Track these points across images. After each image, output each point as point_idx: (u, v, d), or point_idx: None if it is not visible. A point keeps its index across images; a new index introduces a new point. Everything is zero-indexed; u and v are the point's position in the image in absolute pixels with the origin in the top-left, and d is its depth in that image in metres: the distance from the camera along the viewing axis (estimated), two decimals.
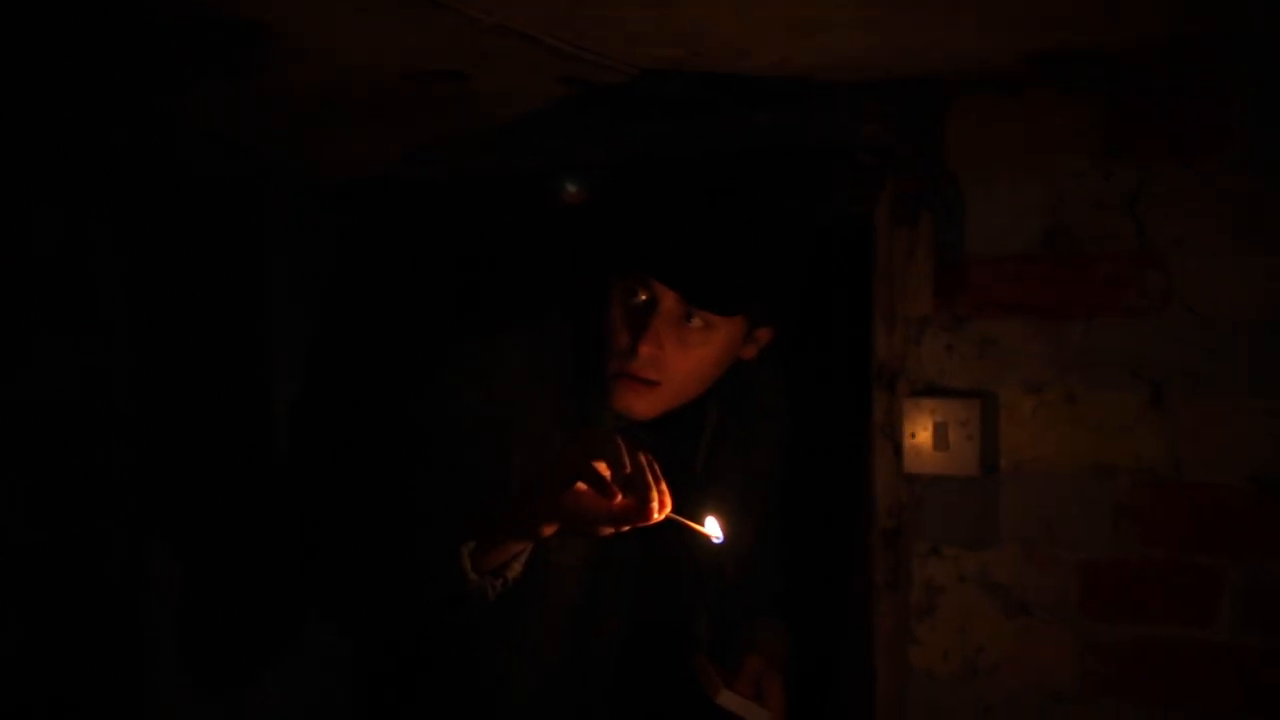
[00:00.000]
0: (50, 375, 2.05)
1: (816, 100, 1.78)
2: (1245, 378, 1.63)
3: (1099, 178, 1.70)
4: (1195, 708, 1.64)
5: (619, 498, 1.25)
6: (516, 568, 1.37)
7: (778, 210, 1.58)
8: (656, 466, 1.27)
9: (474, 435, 1.50)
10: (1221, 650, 1.63)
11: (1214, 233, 1.64)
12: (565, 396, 1.55)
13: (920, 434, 1.77)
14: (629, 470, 1.24)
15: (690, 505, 1.37)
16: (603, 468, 1.25)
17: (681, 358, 1.51)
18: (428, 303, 2.36)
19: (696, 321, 1.51)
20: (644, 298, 1.49)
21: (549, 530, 1.31)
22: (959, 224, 1.79)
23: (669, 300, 1.49)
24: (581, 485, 1.26)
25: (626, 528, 1.26)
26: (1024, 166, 1.75)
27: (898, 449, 1.80)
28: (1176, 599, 1.66)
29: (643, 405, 1.52)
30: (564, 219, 2.09)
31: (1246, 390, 1.62)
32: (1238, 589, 1.62)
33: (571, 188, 2.01)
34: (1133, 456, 1.69)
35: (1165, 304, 1.67)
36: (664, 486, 1.25)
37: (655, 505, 1.24)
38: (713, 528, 1.36)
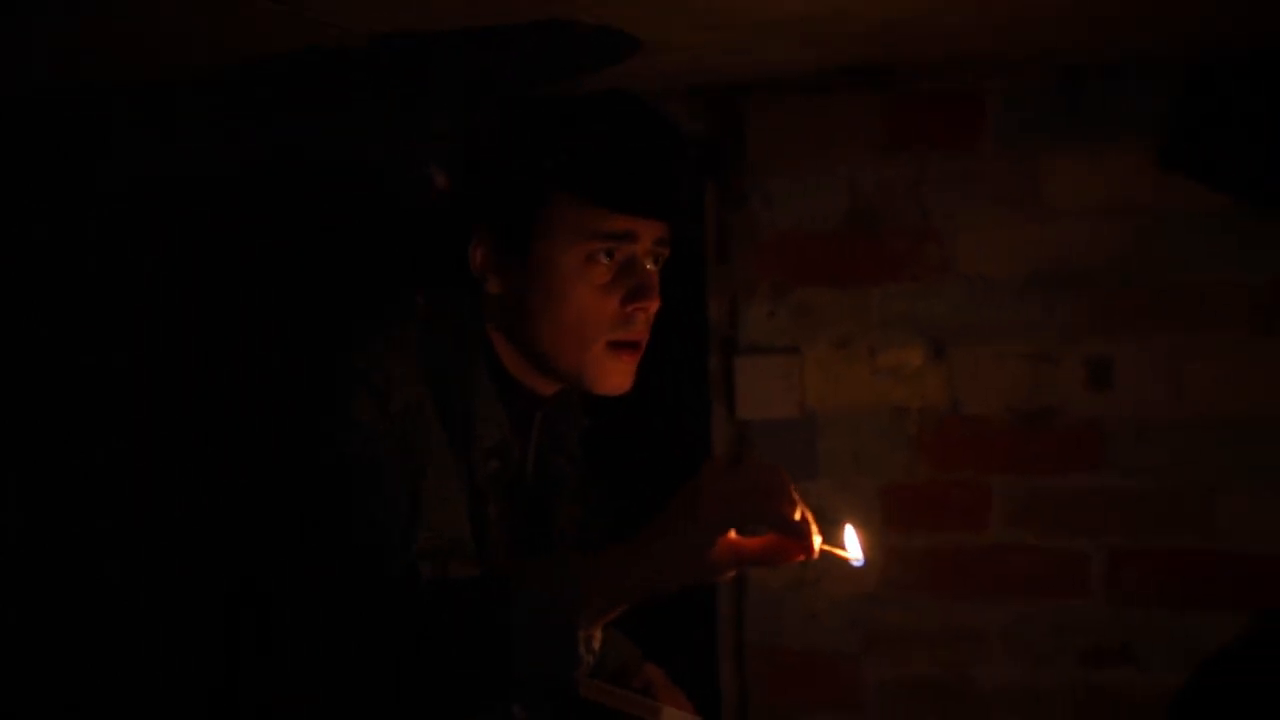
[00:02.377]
0: None
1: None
2: (1005, 328, 2.01)
3: (887, 167, 2.05)
4: (978, 595, 2.03)
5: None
6: (599, 636, 1.13)
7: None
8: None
9: (393, 464, 1.22)
10: (993, 548, 2.02)
11: (977, 211, 2.02)
12: (455, 396, 1.30)
13: (749, 386, 2.10)
14: (800, 507, 1.10)
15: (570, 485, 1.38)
16: (791, 509, 1.09)
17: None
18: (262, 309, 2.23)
19: (654, 264, 1.30)
20: (620, 248, 1.26)
21: (722, 578, 1.14)
22: (776, 207, 2.11)
23: (646, 243, 1.27)
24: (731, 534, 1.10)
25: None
26: (828, 158, 2.09)
27: (731, 401, 2.12)
28: (958, 511, 2.04)
29: (631, 377, 1.31)
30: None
31: (1006, 339, 2.01)
32: (1002, 499, 2.02)
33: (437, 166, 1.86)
34: (921, 398, 2.06)
35: (943, 271, 2.04)
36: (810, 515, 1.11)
37: (816, 540, 1.10)
38: (854, 549, 1.17)
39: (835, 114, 2.05)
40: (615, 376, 1.28)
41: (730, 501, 1.08)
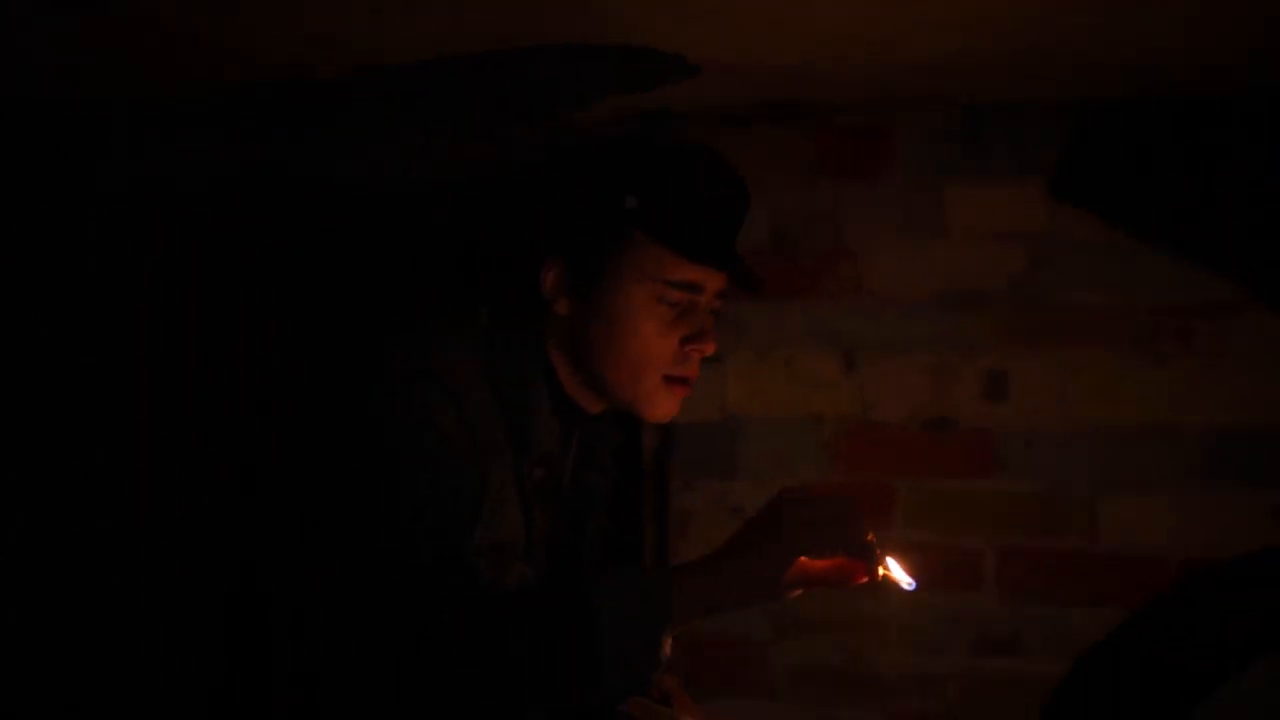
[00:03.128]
0: None
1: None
2: (911, 343, 2.19)
3: (806, 194, 2.23)
4: (880, 588, 2.19)
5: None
6: (669, 645, 1.21)
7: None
8: None
9: (463, 464, 1.28)
10: (898, 542, 2.19)
11: (887, 235, 2.20)
12: (513, 405, 1.35)
13: None
14: (871, 537, 1.21)
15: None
16: (863, 537, 1.21)
17: None
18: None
19: (712, 313, 1.38)
20: (686, 294, 1.33)
21: (789, 596, 1.22)
22: None
23: (710, 294, 1.35)
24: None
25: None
26: (754, 183, 2.25)
27: None
28: (866, 510, 2.21)
29: (678, 407, 1.39)
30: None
31: (911, 352, 2.19)
32: (905, 500, 2.19)
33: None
34: (834, 406, 2.23)
35: (856, 289, 2.22)
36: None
37: (879, 564, 1.21)
38: (903, 575, 1.26)
39: (759, 145, 2.23)
40: (666, 406, 1.36)
41: (814, 529, 1.18)
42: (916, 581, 1.22)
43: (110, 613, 2.52)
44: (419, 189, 2.42)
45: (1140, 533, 2.11)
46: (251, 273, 2.57)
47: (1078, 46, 1.76)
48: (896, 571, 1.23)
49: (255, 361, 2.52)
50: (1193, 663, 2.07)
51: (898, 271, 2.20)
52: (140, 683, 2.49)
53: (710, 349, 1.35)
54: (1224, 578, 2.07)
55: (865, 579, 1.20)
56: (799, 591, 1.21)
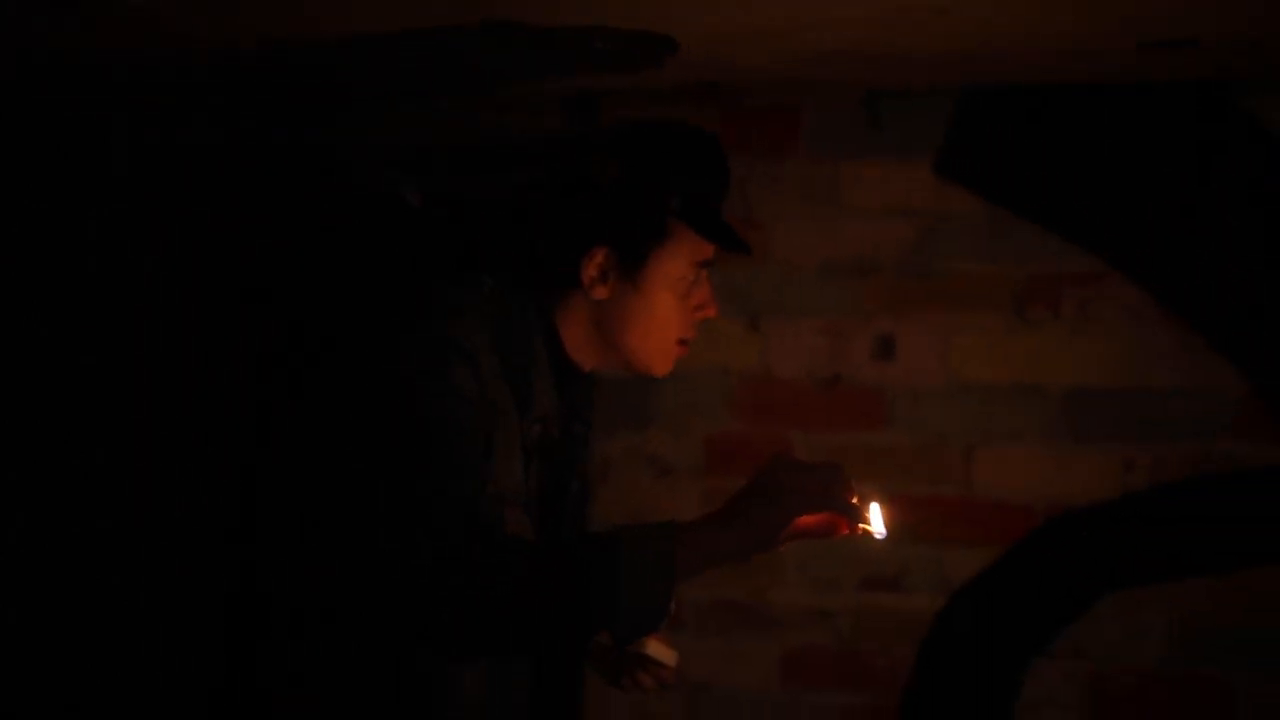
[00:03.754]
0: None
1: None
2: (809, 307, 2.40)
3: None
4: None
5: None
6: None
7: None
8: None
9: (478, 421, 1.37)
10: None
11: (790, 208, 2.40)
12: (516, 367, 1.45)
13: None
14: (855, 498, 1.34)
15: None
16: (850, 498, 1.33)
17: None
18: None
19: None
20: (700, 269, 1.47)
21: (779, 548, 1.35)
22: None
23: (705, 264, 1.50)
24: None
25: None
26: None
27: None
28: (764, 458, 2.41)
29: None
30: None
31: (809, 316, 2.40)
32: (802, 450, 2.40)
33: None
34: (739, 363, 2.43)
35: (762, 257, 2.42)
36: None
37: (861, 520, 1.34)
38: (878, 524, 1.37)
39: None
40: (672, 363, 1.50)
41: (808, 492, 1.31)
42: (886, 531, 1.36)
43: (110, 612, 2.56)
44: (413, 157, 2.55)
45: (1010, 482, 2.34)
46: (254, 252, 2.61)
47: (963, 41, 1.96)
48: (875, 520, 1.36)
49: (258, 342, 2.56)
50: (1053, 597, 2.30)
51: (799, 241, 2.41)
52: (140, 682, 2.52)
53: (715, 312, 1.50)
54: (1082, 522, 2.30)
55: (846, 531, 1.34)
56: (788, 543, 1.35)
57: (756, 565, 2.40)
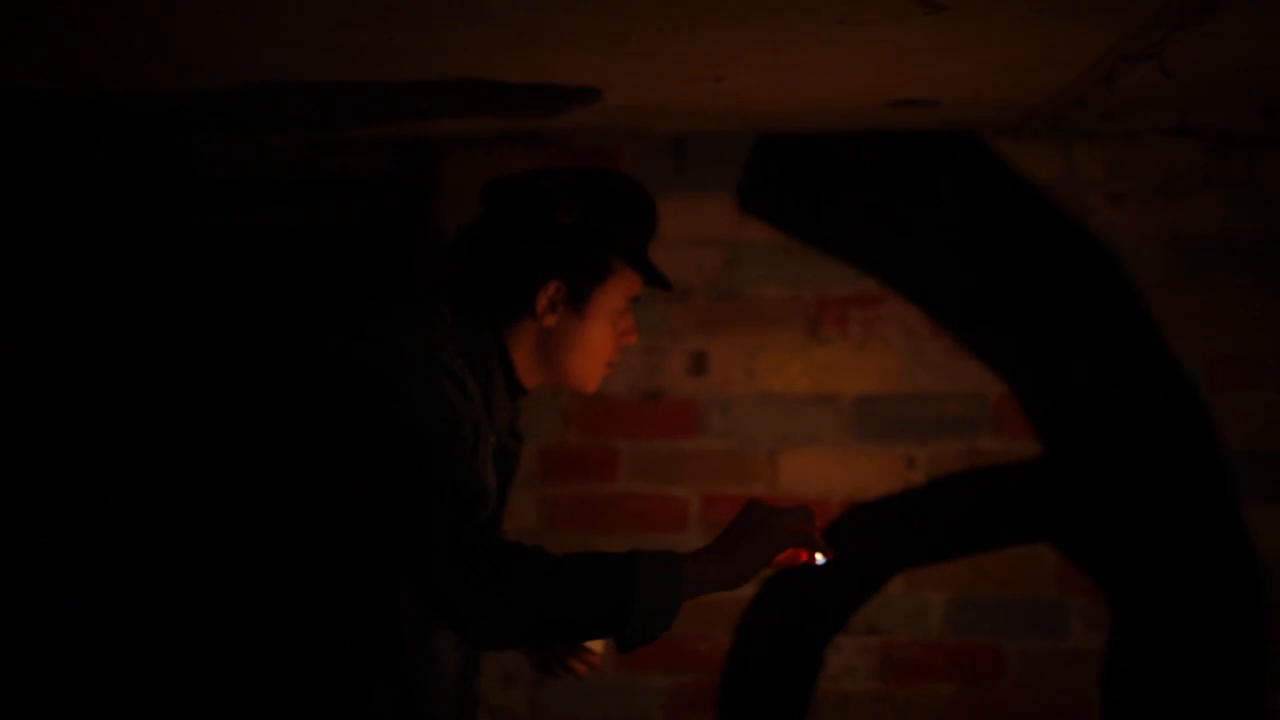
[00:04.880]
0: None
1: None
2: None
3: None
4: (608, 530, 2.67)
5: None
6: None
7: None
8: None
9: (467, 434, 1.53)
10: (619, 495, 2.67)
11: None
12: (481, 385, 1.62)
13: None
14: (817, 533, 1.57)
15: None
16: (816, 535, 1.57)
17: None
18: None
19: None
20: (630, 302, 1.70)
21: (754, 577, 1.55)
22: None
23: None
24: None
25: None
26: None
27: None
28: (595, 466, 2.68)
29: None
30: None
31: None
32: (627, 458, 2.67)
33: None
34: None
35: None
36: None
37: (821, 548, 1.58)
38: (821, 556, 1.59)
39: (506, 166, 2.66)
40: (600, 382, 1.73)
41: (786, 532, 1.54)
42: (830, 557, 1.59)
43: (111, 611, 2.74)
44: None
45: (810, 479, 2.65)
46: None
47: (742, 101, 2.27)
48: (821, 553, 1.60)
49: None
50: (849, 580, 2.62)
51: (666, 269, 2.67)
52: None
53: (636, 339, 1.74)
54: (872, 513, 2.63)
55: (804, 559, 1.58)
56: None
57: None
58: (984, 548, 2.61)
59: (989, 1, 1.60)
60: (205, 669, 1.62)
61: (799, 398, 2.65)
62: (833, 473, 2.64)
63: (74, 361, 2.88)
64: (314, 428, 1.51)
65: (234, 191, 2.80)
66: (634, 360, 2.67)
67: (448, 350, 1.55)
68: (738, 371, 2.66)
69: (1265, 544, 2.54)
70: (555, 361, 1.68)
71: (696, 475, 2.66)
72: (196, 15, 1.70)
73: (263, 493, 1.55)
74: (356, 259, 3.29)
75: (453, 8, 1.64)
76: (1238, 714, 2.54)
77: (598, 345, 1.67)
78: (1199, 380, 2.55)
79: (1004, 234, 2.60)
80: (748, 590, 2.62)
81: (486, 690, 2.65)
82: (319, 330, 1.60)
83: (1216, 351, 2.56)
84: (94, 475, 2.90)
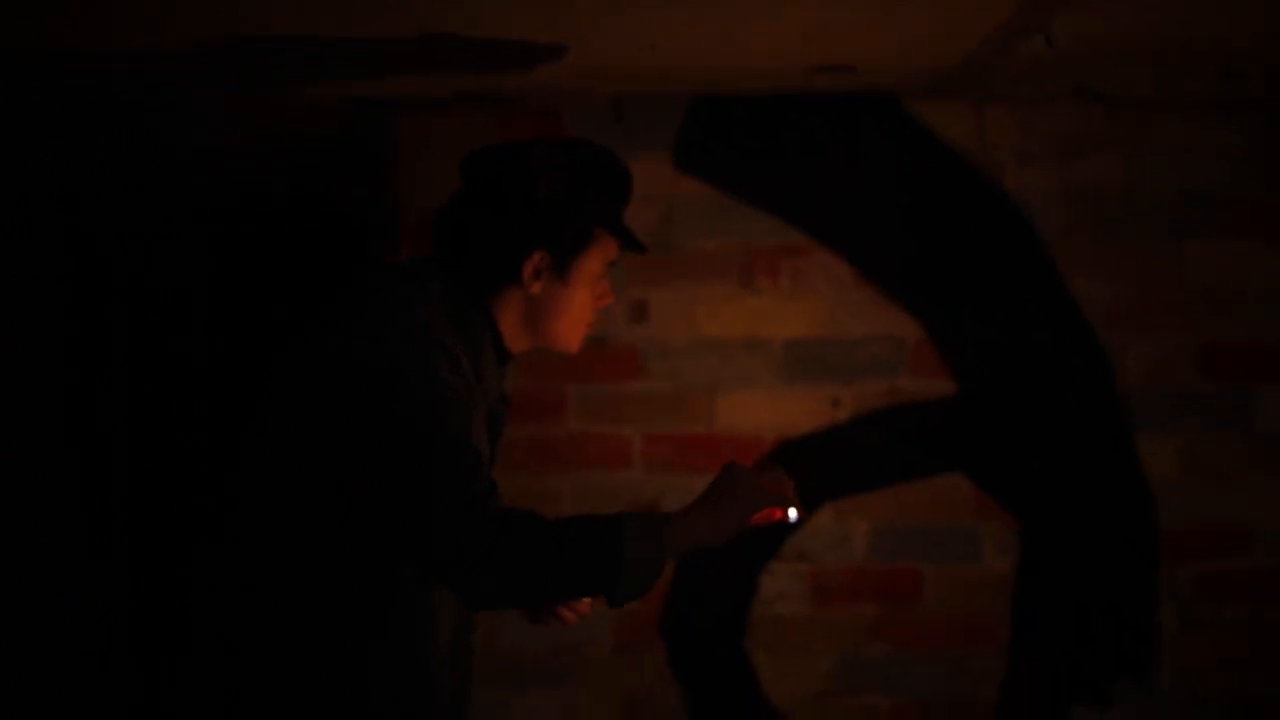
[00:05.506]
0: None
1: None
2: None
3: None
4: (558, 469, 2.86)
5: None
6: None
7: None
8: None
9: (462, 406, 1.57)
10: (568, 435, 2.86)
11: None
12: (471, 356, 1.65)
13: None
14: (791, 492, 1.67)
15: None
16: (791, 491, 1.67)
17: None
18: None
19: None
20: (608, 267, 1.76)
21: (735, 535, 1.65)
22: (418, 193, 2.86)
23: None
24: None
25: None
26: (454, 156, 2.83)
27: None
28: (546, 409, 2.86)
29: None
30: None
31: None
32: (574, 401, 2.86)
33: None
34: None
35: None
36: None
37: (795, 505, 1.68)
38: (794, 512, 1.68)
39: (458, 126, 2.82)
40: (581, 343, 1.79)
41: (764, 492, 1.64)
42: (803, 514, 1.71)
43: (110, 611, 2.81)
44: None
45: (745, 418, 2.85)
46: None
47: (674, 61, 2.44)
48: (794, 510, 1.69)
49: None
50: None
51: None
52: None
53: (612, 299, 1.81)
54: (801, 448, 2.84)
55: (779, 516, 1.68)
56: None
57: (540, 498, 2.83)
58: (904, 479, 2.83)
59: None
60: (205, 668, 1.65)
61: (734, 343, 2.84)
62: (765, 412, 2.84)
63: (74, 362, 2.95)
64: (316, 428, 1.57)
65: (189, 160, 2.90)
66: None
67: (440, 328, 1.60)
68: (676, 319, 2.84)
69: (1155, 473, 2.79)
70: (541, 327, 1.75)
71: (639, 416, 2.85)
72: None
73: (263, 493, 1.60)
74: (314, 223, 3.39)
75: None
76: (1133, 628, 2.80)
77: (580, 309, 1.74)
78: (1098, 324, 2.79)
79: (922, 190, 2.81)
80: None
81: None
82: (312, 318, 1.67)
83: (1114, 298, 2.79)
84: (94, 475, 2.95)
